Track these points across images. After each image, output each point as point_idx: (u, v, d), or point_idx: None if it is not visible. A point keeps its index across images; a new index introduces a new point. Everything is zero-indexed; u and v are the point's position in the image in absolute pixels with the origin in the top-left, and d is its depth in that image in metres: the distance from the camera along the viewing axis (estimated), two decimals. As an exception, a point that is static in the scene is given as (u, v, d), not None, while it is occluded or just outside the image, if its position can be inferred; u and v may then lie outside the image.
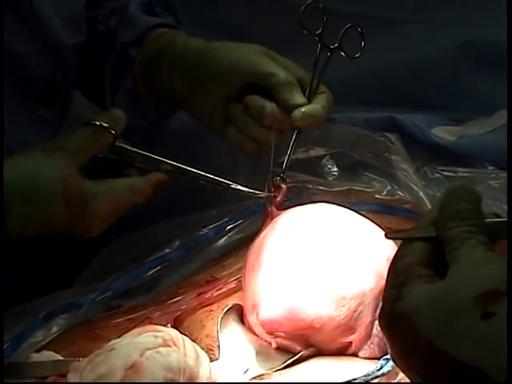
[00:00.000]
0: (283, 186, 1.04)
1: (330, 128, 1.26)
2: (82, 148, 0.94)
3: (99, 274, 1.07)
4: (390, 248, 0.94)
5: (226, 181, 1.01)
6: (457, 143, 1.25)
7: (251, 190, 1.02)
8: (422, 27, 1.37)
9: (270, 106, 1.03)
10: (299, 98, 1.03)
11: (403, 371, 0.61)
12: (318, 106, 1.03)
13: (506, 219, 0.64)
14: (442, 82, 1.36)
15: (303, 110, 1.02)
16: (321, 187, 1.20)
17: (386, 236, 0.68)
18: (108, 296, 1.05)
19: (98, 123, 0.95)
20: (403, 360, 0.60)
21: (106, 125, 0.95)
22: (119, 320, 1.02)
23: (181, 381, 0.82)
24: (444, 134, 1.26)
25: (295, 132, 1.05)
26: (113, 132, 0.95)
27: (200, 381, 0.85)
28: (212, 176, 1.01)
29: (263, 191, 1.03)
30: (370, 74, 1.36)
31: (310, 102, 1.04)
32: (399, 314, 0.59)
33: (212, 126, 1.09)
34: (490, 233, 0.62)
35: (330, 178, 1.23)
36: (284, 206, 1.05)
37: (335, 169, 1.23)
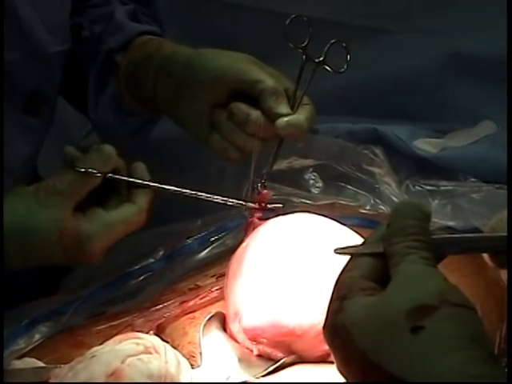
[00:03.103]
0: (265, 191, 1.05)
1: (313, 140, 1.26)
2: (72, 192, 0.96)
3: (83, 281, 1.08)
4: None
5: (209, 195, 1.02)
6: (439, 156, 1.24)
7: (234, 201, 1.03)
8: (407, 38, 1.37)
9: (255, 114, 1.04)
10: (284, 108, 1.03)
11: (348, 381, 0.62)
12: (301, 116, 1.04)
13: (453, 235, 0.65)
14: (426, 92, 1.36)
15: (286, 119, 1.03)
16: (305, 200, 1.20)
17: (335, 251, 0.69)
18: (91, 304, 1.05)
19: (83, 170, 0.96)
20: (345, 371, 0.61)
21: (94, 171, 0.96)
22: (102, 327, 1.02)
23: (162, 388, 0.82)
24: (426, 146, 1.26)
25: (278, 141, 1.06)
26: (100, 175, 0.97)
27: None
28: (195, 192, 1.02)
29: (246, 201, 1.04)
30: (355, 84, 1.35)
31: (294, 112, 1.04)
32: (339, 325, 0.61)
33: (197, 132, 1.10)
34: (437, 249, 0.63)
35: (314, 191, 1.23)
36: (267, 217, 1.06)
37: (319, 182, 1.23)
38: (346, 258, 0.92)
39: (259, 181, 1.05)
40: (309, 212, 1.08)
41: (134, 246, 1.12)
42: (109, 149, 0.98)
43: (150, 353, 0.85)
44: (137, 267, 1.10)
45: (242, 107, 1.04)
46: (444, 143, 1.28)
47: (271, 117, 1.03)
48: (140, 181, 1.01)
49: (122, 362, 0.82)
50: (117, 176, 1.00)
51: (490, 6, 1.33)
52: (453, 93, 1.36)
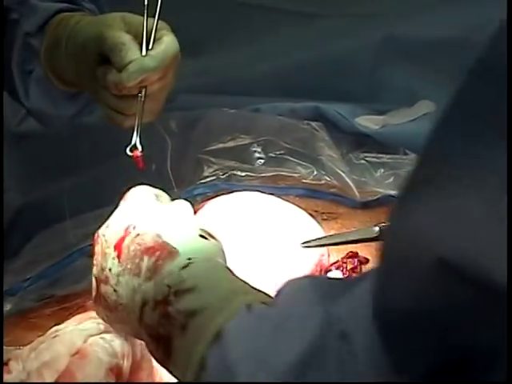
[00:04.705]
0: (136, 153, 0.98)
1: (255, 117, 1.27)
2: None
3: (30, 262, 1.06)
4: (316, 231, 0.97)
5: None
6: (380, 132, 1.27)
7: None
8: (345, 21, 1.38)
9: (112, 74, 0.97)
10: (128, 57, 0.95)
11: None
12: (144, 59, 0.96)
13: None
14: (364, 74, 1.37)
15: (128, 68, 0.95)
16: (249, 173, 1.21)
17: (301, 246, 0.70)
18: (40, 285, 1.04)
19: None
20: None
21: None
22: (54, 309, 1.02)
23: (125, 365, 0.82)
24: (367, 122, 1.28)
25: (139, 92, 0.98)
26: None
27: (143, 366, 0.85)
28: None
29: None
30: (295, 67, 1.37)
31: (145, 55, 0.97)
32: None
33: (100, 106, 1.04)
34: None
35: (258, 165, 1.24)
36: (210, 196, 1.05)
37: (262, 155, 1.24)
38: (293, 234, 0.94)
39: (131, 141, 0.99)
40: (253, 184, 1.08)
41: (78, 226, 1.11)
42: None
43: (111, 332, 0.84)
44: (83, 245, 1.09)
45: (100, 70, 0.98)
46: (384, 120, 1.30)
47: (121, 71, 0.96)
48: None
49: (85, 341, 0.82)
50: None
51: None
52: (389, 74, 1.37)
